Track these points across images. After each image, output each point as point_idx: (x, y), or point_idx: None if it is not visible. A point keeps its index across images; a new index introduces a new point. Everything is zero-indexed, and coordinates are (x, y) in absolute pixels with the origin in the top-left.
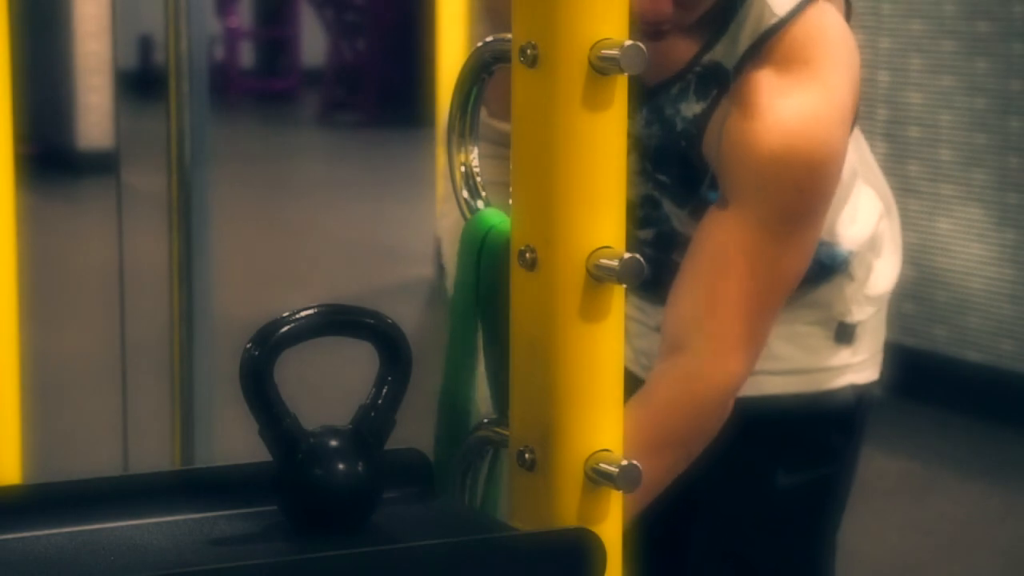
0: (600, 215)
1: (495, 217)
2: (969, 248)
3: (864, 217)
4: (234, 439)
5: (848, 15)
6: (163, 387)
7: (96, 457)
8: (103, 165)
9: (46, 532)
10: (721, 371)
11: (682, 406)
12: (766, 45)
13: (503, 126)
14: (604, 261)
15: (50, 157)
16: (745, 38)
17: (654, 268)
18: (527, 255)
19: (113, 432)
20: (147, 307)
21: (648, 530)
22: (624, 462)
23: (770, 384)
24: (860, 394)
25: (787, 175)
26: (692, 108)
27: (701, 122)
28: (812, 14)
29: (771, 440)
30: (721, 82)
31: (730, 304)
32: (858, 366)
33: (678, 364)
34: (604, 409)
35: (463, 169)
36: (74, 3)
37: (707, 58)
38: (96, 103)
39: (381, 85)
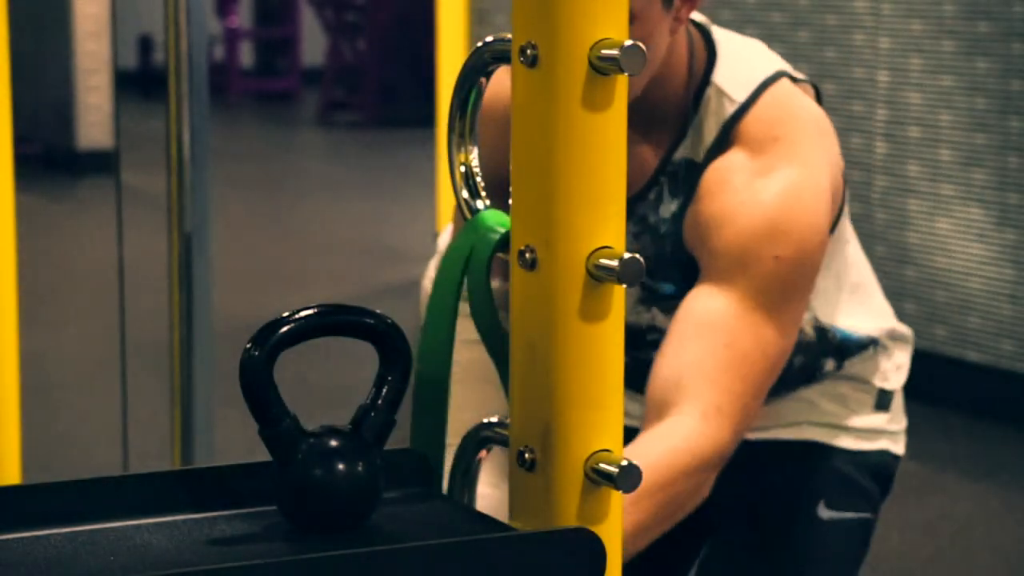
0: (600, 215)
1: (494, 218)
2: (969, 248)
3: (883, 312)
4: (234, 439)
5: (818, 100)
6: (163, 387)
7: (96, 457)
8: (103, 165)
9: (46, 532)
10: (703, 436)
11: (661, 467)
12: (733, 132)
13: None
14: (604, 261)
15: (50, 157)
16: (710, 131)
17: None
18: (527, 255)
19: (113, 432)
20: (147, 307)
21: (681, 553)
22: (624, 462)
23: (813, 432)
24: (892, 460)
25: (767, 251)
26: (669, 208)
27: (679, 216)
28: (774, 94)
29: (813, 477)
30: (693, 177)
31: (713, 372)
32: (893, 435)
33: (660, 428)
34: (604, 409)
35: (463, 169)
36: (74, 3)
37: (676, 156)
38: (96, 103)
39: (381, 85)
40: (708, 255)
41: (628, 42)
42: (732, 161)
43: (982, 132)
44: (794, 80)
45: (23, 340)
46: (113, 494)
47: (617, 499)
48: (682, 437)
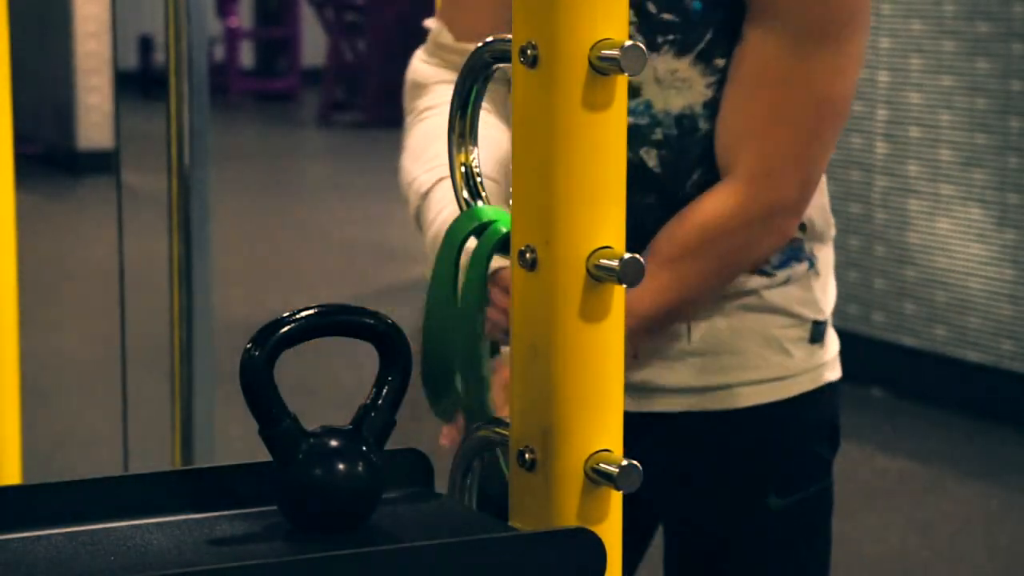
0: (600, 215)
1: (491, 213)
2: (969, 248)
3: (827, 227)
4: (234, 439)
5: None
6: (163, 387)
7: (96, 457)
8: (103, 165)
9: (46, 532)
10: (768, 190)
11: (727, 220)
12: None
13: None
14: (604, 261)
15: (50, 157)
16: None
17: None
18: (527, 255)
19: (113, 432)
20: (147, 307)
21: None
22: (624, 462)
23: (750, 395)
24: (836, 393)
25: None
26: None
27: None
28: None
29: (759, 460)
30: None
31: (763, 130)
32: (830, 363)
33: (727, 183)
34: (604, 409)
35: (463, 169)
36: (74, 3)
37: None
38: (96, 103)
39: (381, 85)
40: None
41: (628, 42)
42: None
43: (982, 132)
44: None
45: (23, 340)
46: (113, 494)
47: (617, 499)
48: (722, 199)
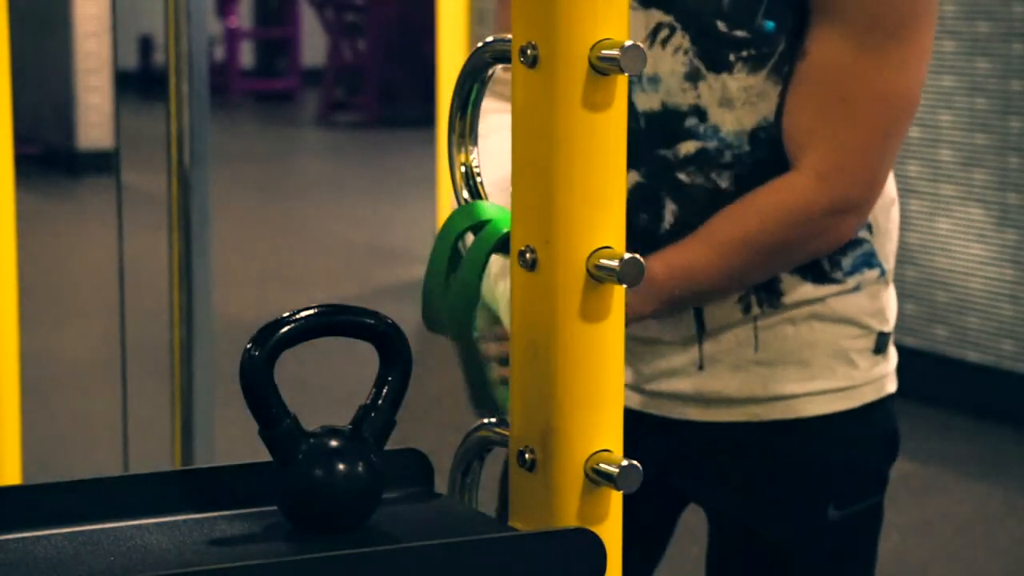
0: (600, 215)
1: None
2: (969, 248)
3: (891, 229)
4: (234, 439)
5: None
6: (163, 387)
7: (96, 457)
8: (103, 165)
9: (46, 532)
10: (837, 186)
11: (789, 212)
12: None
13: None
14: (604, 261)
15: (50, 157)
16: None
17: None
18: (527, 255)
19: (113, 432)
20: (147, 307)
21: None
22: (624, 462)
23: (814, 406)
24: (894, 409)
25: None
26: None
27: None
28: None
29: (819, 471)
30: None
31: (841, 119)
32: (891, 374)
33: (794, 176)
34: (604, 409)
35: (463, 169)
36: (74, 3)
37: None
38: (96, 103)
39: (381, 85)
40: None
41: (628, 42)
42: None
43: (982, 132)
44: None
45: (23, 340)
46: (113, 494)
47: (617, 499)
48: (788, 190)
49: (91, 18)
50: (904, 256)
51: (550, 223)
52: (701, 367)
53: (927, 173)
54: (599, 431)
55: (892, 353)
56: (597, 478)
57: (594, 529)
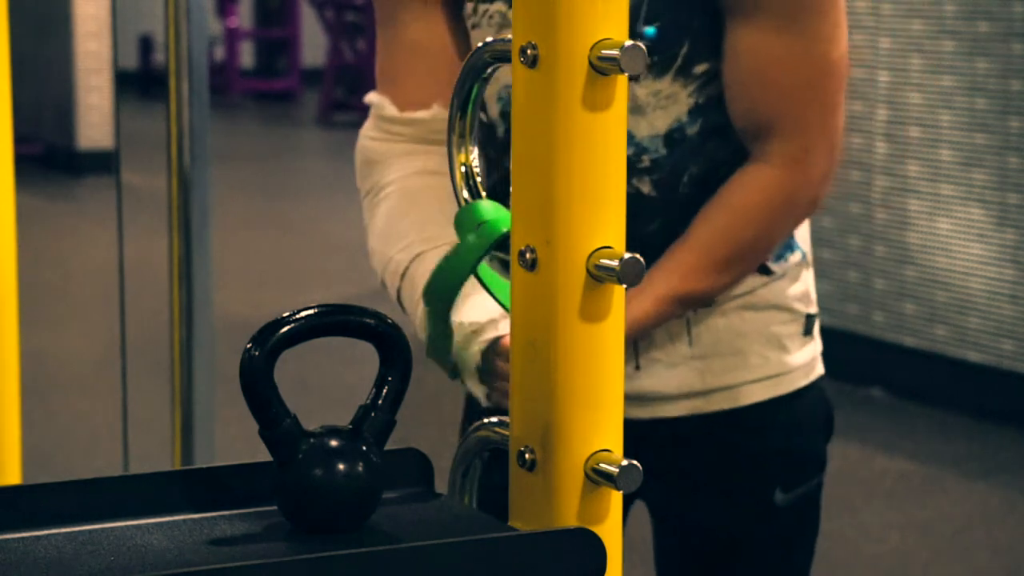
0: (600, 215)
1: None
2: (969, 248)
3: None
4: (234, 439)
5: None
6: (163, 387)
7: (96, 457)
8: (103, 165)
9: (46, 532)
10: (808, 167)
11: (768, 211)
12: None
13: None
14: (604, 261)
15: (50, 157)
16: None
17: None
18: (527, 255)
19: (113, 432)
20: (147, 307)
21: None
22: (624, 462)
23: (751, 394)
24: (824, 390)
25: None
26: None
27: None
28: None
29: (763, 458)
30: None
31: (791, 105)
32: (819, 357)
33: (764, 169)
34: (604, 409)
35: (463, 169)
36: (74, 3)
37: None
38: (96, 103)
39: None
40: None
41: (628, 42)
42: None
43: (982, 132)
44: None
45: (23, 340)
46: (113, 494)
47: (617, 499)
48: (763, 183)
49: (91, 18)
50: (904, 256)
51: (550, 223)
52: (638, 368)
53: (927, 173)
54: (599, 431)
55: (818, 334)
56: (597, 478)
57: (594, 529)
